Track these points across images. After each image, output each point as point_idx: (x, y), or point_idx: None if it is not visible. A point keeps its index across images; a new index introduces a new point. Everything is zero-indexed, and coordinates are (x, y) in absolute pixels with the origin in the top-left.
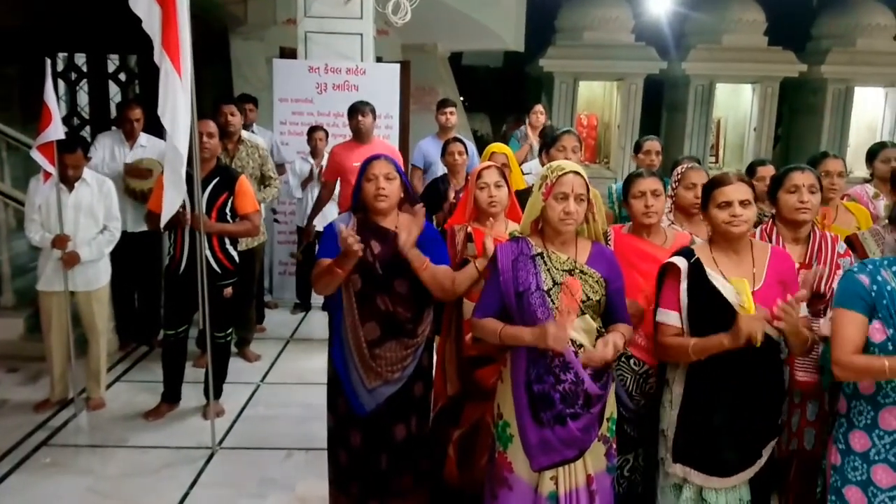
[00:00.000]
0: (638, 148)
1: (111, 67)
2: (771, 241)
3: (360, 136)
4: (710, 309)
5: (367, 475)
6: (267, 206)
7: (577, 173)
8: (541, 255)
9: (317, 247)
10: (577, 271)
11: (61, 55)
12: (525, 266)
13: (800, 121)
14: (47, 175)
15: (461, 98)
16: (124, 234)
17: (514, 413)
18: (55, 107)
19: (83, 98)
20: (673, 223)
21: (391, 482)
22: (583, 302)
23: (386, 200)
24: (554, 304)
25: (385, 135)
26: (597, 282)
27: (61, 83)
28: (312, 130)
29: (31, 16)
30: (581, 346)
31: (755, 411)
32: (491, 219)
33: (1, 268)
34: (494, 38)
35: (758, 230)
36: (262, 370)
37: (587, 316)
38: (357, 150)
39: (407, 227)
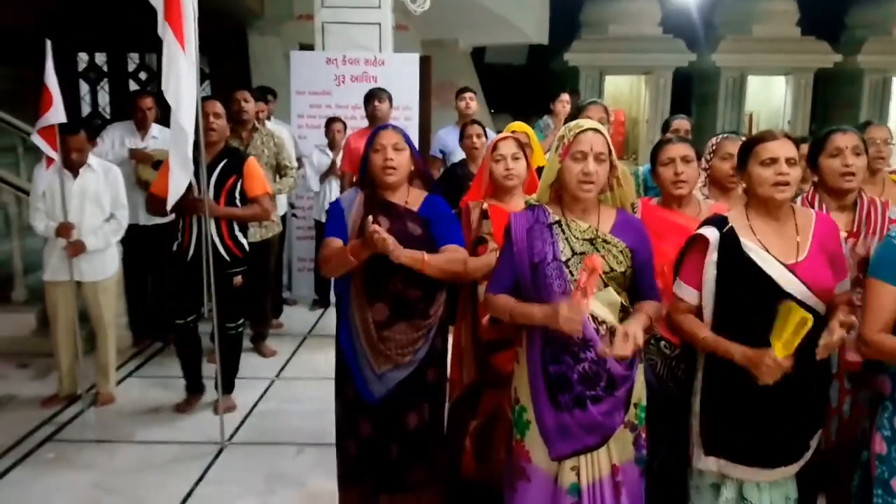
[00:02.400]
0: (666, 127)
1: (131, 66)
2: None
3: (375, 122)
4: (744, 286)
5: (378, 467)
6: (286, 198)
7: (596, 131)
8: (558, 223)
9: None
10: (600, 241)
11: (82, 55)
12: (541, 235)
13: (835, 114)
14: (50, 161)
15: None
16: (137, 227)
17: (530, 397)
18: (56, 90)
19: (103, 97)
20: (708, 198)
21: (403, 475)
22: (605, 273)
23: (394, 173)
24: (573, 276)
25: (404, 126)
26: (621, 252)
27: (83, 83)
28: (330, 122)
29: (49, 15)
30: (603, 322)
31: (795, 396)
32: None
33: (13, 263)
34: (517, 32)
35: (798, 200)
36: (278, 366)
37: (610, 288)
38: None
39: (390, 242)
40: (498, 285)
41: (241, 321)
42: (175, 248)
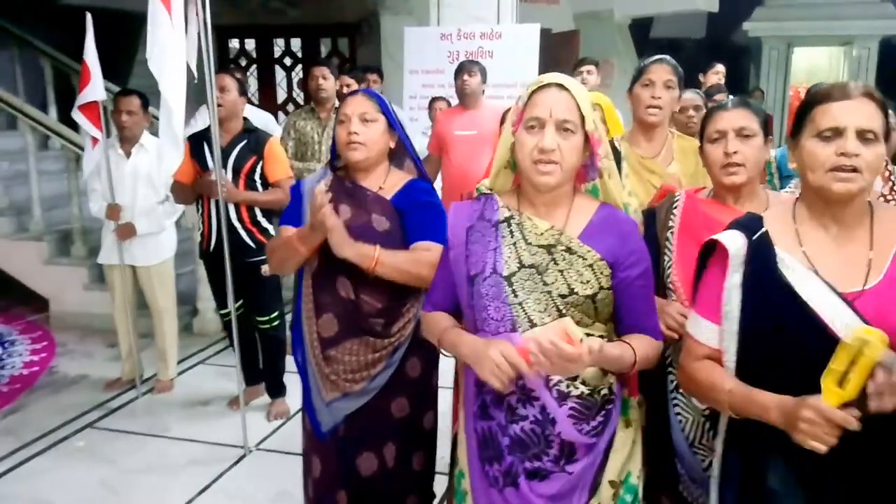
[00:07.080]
0: None
1: (324, 52)
2: None
3: (464, 98)
4: (777, 323)
5: None
6: None
7: (562, 87)
8: (508, 220)
9: None
10: (561, 249)
11: (278, 41)
12: (483, 237)
13: None
14: (95, 140)
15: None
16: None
17: (467, 459)
18: (95, 66)
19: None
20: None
21: None
22: (563, 297)
23: (361, 149)
24: (517, 297)
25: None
26: (590, 266)
27: (279, 69)
28: (433, 101)
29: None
30: None
31: (856, 481)
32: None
33: None
34: None
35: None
36: None
37: (568, 319)
38: (461, 115)
39: (330, 224)
40: (434, 301)
41: (275, 314)
42: (199, 239)
